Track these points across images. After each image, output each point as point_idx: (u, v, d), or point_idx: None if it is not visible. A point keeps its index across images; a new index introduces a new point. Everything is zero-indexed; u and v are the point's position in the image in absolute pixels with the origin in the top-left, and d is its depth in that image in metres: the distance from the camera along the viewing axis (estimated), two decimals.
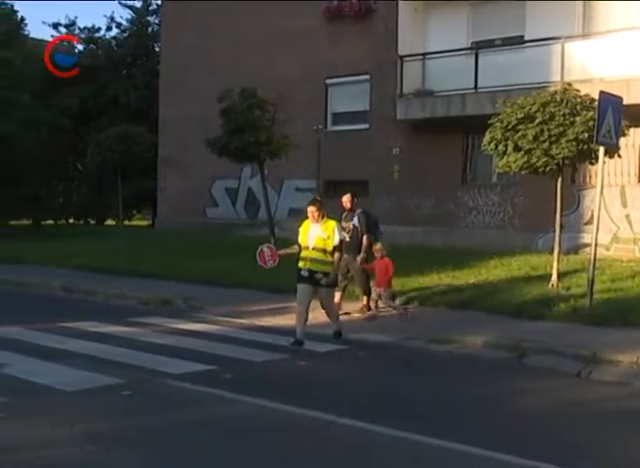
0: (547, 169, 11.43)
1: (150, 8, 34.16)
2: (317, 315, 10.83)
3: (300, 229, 9.24)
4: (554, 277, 11.94)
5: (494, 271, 13.80)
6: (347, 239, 10.66)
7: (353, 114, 21.39)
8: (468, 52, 18.81)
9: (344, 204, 11.38)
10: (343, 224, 10.97)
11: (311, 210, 9.10)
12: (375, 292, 10.99)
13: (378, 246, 11.01)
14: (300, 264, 9.04)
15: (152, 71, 30.65)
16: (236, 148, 16.62)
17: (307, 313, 8.96)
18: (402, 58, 19.56)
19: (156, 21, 33.16)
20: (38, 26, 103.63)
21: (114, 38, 34.11)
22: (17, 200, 29.12)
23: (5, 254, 18.70)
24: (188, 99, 24.06)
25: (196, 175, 23.75)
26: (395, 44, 19.82)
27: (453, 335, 9.15)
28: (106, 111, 30.98)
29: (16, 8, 32.10)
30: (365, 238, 11.09)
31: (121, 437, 5.19)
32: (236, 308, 11.47)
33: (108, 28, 34.69)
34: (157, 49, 32.20)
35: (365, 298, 11.30)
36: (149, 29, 34.06)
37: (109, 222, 34.20)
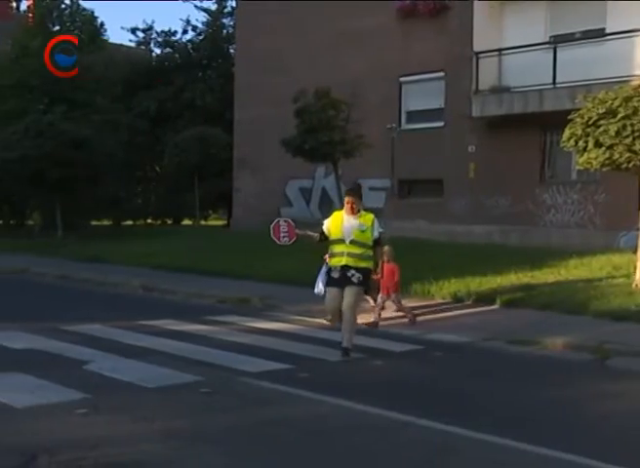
0: (630, 165, 11.06)
1: (225, 10, 34.61)
2: (391, 314, 10.78)
3: (329, 221, 8.34)
4: (638, 276, 11.55)
5: (574, 271, 13.45)
6: None
7: (427, 112, 21.18)
8: (546, 46, 18.42)
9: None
10: None
11: (349, 200, 8.26)
12: (380, 298, 10.26)
13: (385, 248, 10.02)
14: (334, 261, 8.14)
15: (227, 73, 31.05)
16: (310, 148, 16.71)
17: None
18: (477, 54, 19.29)
19: (231, 24, 33.57)
20: (117, 31, 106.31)
21: (190, 41, 34.68)
22: (97, 201, 29.98)
23: (87, 254, 19.25)
24: (262, 101, 24.27)
25: (270, 176, 23.95)
26: (470, 40, 19.57)
27: (532, 336, 8.95)
28: (183, 113, 31.53)
29: (96, 14, 32.93)
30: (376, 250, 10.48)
31: (201, 434, 5.24)
32: (312, 307, 11.46)
33: (184, 31, 35.30)
34: (232, 51, 32.60)
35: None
36: (224, 32, 34.50)
37: (186, 222, 34.81)
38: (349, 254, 8.05)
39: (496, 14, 19.86)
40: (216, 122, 28.15)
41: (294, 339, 9.09)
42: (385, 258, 10.10)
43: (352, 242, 8.07)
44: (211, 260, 16.62)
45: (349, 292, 8.05)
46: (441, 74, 20.54)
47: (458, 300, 11.70)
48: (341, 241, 8.07)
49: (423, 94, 21.27)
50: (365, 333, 9.55)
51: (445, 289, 12.15)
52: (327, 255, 9.98)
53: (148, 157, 33.60)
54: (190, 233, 24.83)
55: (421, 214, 20.59)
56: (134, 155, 31.62)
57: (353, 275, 8.00)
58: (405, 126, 21.61)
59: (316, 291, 10.28)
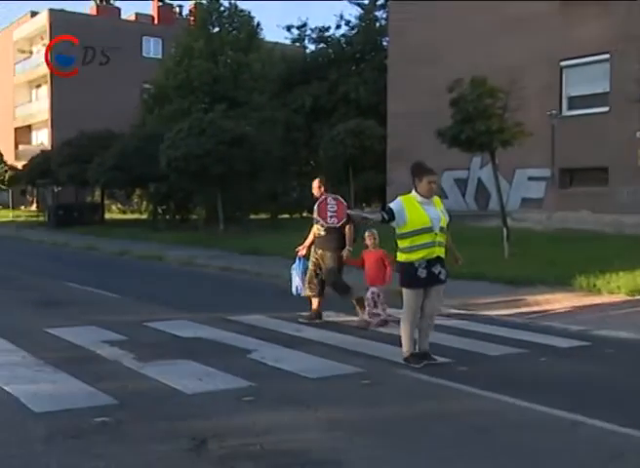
0: None
1: (378, 3, 34.64)
2: (555, 307, 10.39)
3: (403, 208, 7.01)
4: None
5: None
6: (322, 233, 9.44)
7: (591, 97, 20.26)
8: None
9: (314, 190, 9.67)
10: (315, 216, 9.45)
11: (434, 179, 7.17)
12: (369, 292, 9.23)
13: (367, 233, 9.29)
14: (419, 255, 6.99)
15: (380, 66, 31.08)
16: (467, 138, 16.33)
17: None
18: None
19: (384, 16, 33.55)
20: (272, 30, 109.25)
21: (343, 36, 35.01)
22: (256, 195, 30.94)
23: (246, 247, 19.91)
24: (416, 92, 24.11)
25: None
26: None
27: None
28: (337, 107, 31.88)
29: (252, 14, 33.95)
30: (348, 228, 9.35)
31: (364, 425, 5.26)
32: (470, 300, 11.28)
33: (338, 26, 35.73)
34: (385, 43, 32.58)
35: (316, 302, 9.71)
36: (377, 24, 34.54)
37: None
38: (440, 244, 7.07)
39: None
40: (370, 115, 28.25)
41: (451, 333, 8.93)
42: (369, 244, 9.34)
43: (441, 229, 7.05)
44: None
45: (437, 293, 7.21)
46: (606, 56, 19.58)
47: (627, 295, 11.09)
48: (429, 230, 6.94)
49: (586, 78, 20.37)
50: (525, 328, 9.27)
51: (613, 282, 11.56)
52: (301, 249, 9.77)
53: (304, 152, 34.25)
54: None
55: (585, 205, 19.73)
56: (290, 150, 32.33)
57: (440, 272, 7.08)
58: (566, 112, 20.79)
59: (294, 291, 9.84)
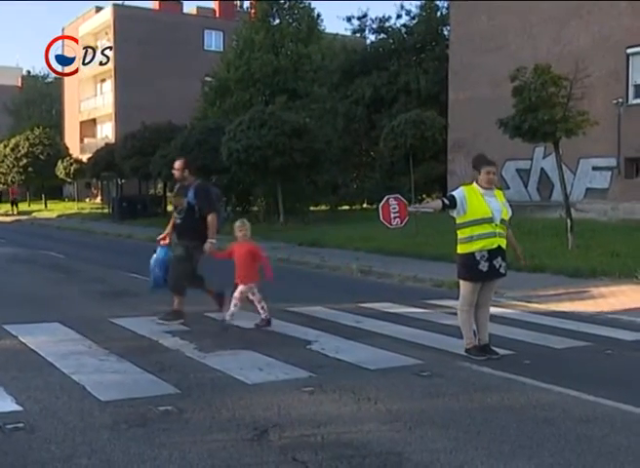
0: None
1: None
2: (620, 299, 10.16)
3: (465, 197, 7.00)
4: None
5: None
6: (178, 221, 8.68)
7: None
8: None
9: (176, 173, 8.88)
10: (174, 202, 8.92)
11: (492, 170, 7.13)
12: (237, 292, 8.35)
13: (242, 223, 8.46)
14: (480, 245, 6.90)
15: (441, 56, 30.76)
16: (530, 127, 16.03)
17: None
18: None
19: (445, 5, 33.18)
20: (332, 21, 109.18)
21: (404, 25, 34.73)
22: (316, 187, 31.01)
23: (306, 238, 19.99)
24: (478, 81, 23.79)
25: None
26: None
27: None
28: (398, 98, 31.67)
29: (312, 6, 34.01)
30: (212, 217, 8.59)
31: (424, 417, 5.23)
32: (532, 292, 11.13)
33: (398, 16, 35.45)
34: (446, 33, 32.22)
35: (177, 301, 8.66)
36: (438, 14, 34.17)
37: None
38: (500, 235, 6.99)
39: None
40: (430, 105, 27.99)
41: (514, 325, 8.82)
42: (240, 235, 8.40)
43: (502, 221, 7.00)
44: (426, 244, 16.59)
45: (493, 285, 7.21)
46: None
47: None
48: (490, 220, 6.90)
49: None
50: (589, 321, 9.08)
51: None
52: (163, 237, 8.76)
53: (364, 143, 34.16)
54: None
55: None
56: (350, 141, 32.26)
57: (501, 266, 6.98)
58: (633, 100, 20.24)
59: (152, 285, 8.91)
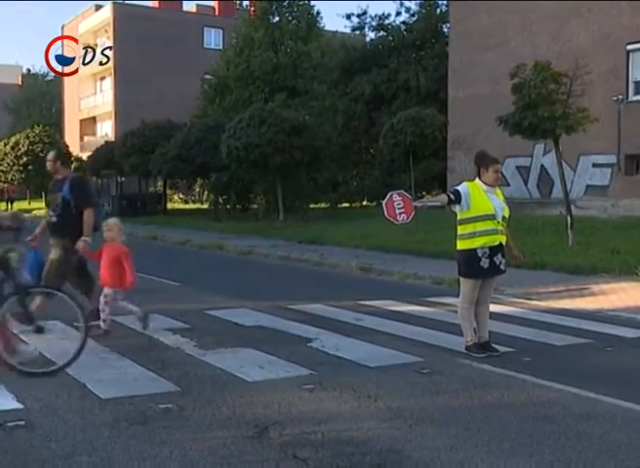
0: None
1: None
2: (621, 296, 10.16)
3: (469, 192, 7.00)
4: None
5: None
6: (54, 219, 8.01)
7: None
8: None
9: (49, 166, 8.34)
10: (49, 198, 8.39)
11: (498, 168, 7.15)
12: (102, 295, 7.75)
13: (111, 222, 7.89)
14: (482, 241, 6.92)
15: (441, 53, 30.73)
16: (530, 124, 16.02)
17: None
18: None
19: (444, 2, 33.15)
20: (332, 18, 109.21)
21: (404, 23, 34.70)
22: (316, 185, 31.01)
23: (306, 236, 19.99)
24: (478, 78, 23.78)
25: None
26: None
27: None
28: (397, 95, 31.64)
29: (312, 3, 34.00)
30: (88, 212, 7.95)
31: (424, 414, 5.23)
32: (532, 290, 11.13)
33: (398, 14, 35.37)
34: (445, 30, 32.19)
35: (40, 300, 7.31)
36: (438, 11, 34.14)
37: None
38: (502, 232, 7.02)
39: None
40: (430, 102, 27.98)
41: (514, 322, 8.81)
42: (109, 236, 7.79)
43: (503, 219, 7.04)
44: (425, 241, 16.59)
45: (493, 281, 7.24)
46: None
47: None
48: (492, 217, 6.92)
49: None
50: (590, 318, 9.08)
51: None
52: (32, 238, 7.90)
53: (364, 140, 34.13)
54: None
55: None
56: (349, 139, 32.23)
57: (501, 262, 7.02)
58: (633, 97, 20.23)
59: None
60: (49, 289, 7.18)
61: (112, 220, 7.98)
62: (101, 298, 7.73)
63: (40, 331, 6.32)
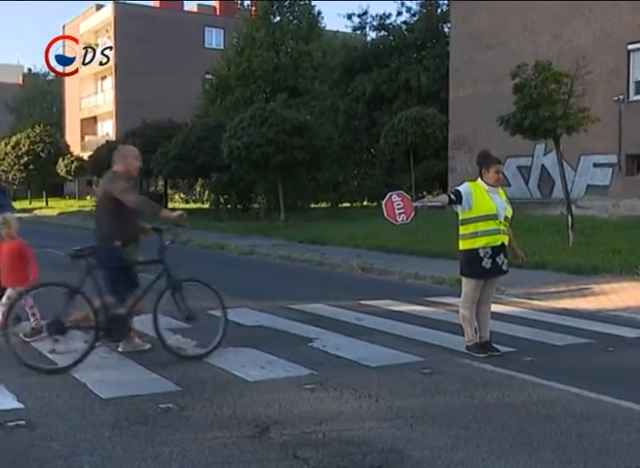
0: None
1: None
2: (622, 296, 10.15)
3: (471, 193, 6.99)
4: None
5: None
6: None
7: None
8: None
9: None
10: None
11: (500, 169, 7.15)
12: (5, 296, 7.33)
13: (8, 217, 7.53)
14: (485, 241, 6.92)
15: (442, 53, 30.72)
16: (531, 124, 16.01)
17: None
18: None
19: (445, 2, 33.15)
20: (333, 18, 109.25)
21: (405, 22, 34.70)
22: (317, 184, 31.00)
23: (307, 236, 19.98)
24: (479, 78, 23.77)
25: None
26: None
27: None
28: (398, 95, 31.63)
29: (313, 3, 34.01)
30: None
31: (425, 414, 5.23)
32: (533, 289, 11.11)
33: (399, 13, 35.45)
34: (446, 30, 32.18)
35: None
36: (439, 11, 34.14)
37: None
38: (504, 232, 7.01)
39: None
40: (431, 102, 27.97)
41: (515, 322, 8.80)
42: (4, 233, 7.41)
43: (506, 219, 7.03)
44: (427, 241, 16.59)
45: (495, 281, 7.24)
46: None
47: None
48: (494, 217, 6.91)
49: None
50: (591, 318, 9.08)
51: None
52: None
53: (365, 140, 34.11)
54: None
55: None
56: (350, 139, 32.21)
57: (503, 263, 7.01)
58: (634, 97, 20.21)
59: None
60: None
61: (9, 215, 7.64)
62: (4, 300, 7.22)
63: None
